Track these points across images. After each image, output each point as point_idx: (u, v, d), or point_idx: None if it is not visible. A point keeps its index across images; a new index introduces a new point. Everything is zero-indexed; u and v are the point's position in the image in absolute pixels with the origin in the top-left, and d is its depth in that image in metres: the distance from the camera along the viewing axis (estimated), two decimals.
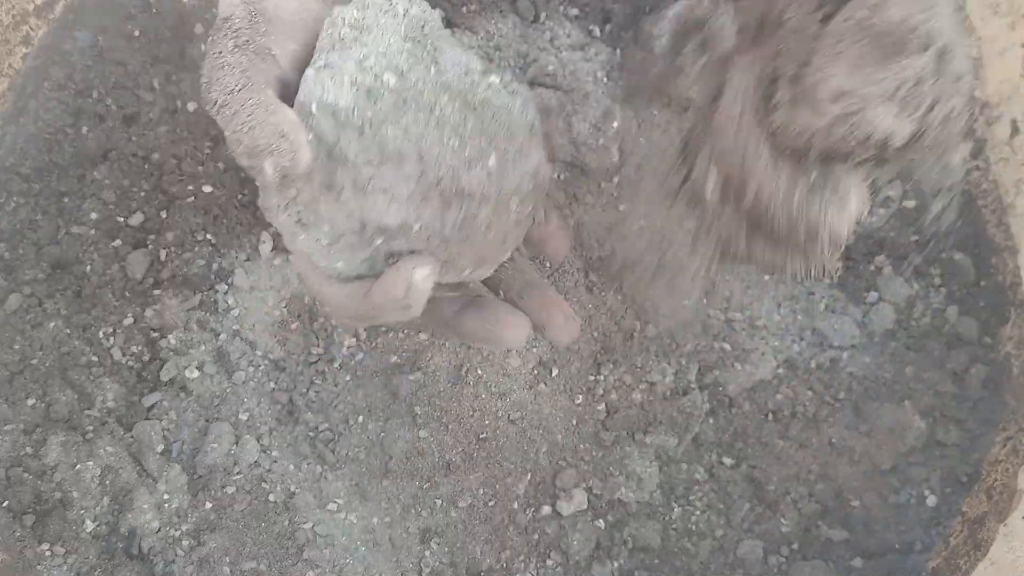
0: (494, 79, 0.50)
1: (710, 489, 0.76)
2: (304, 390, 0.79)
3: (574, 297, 0.79)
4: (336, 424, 0.78)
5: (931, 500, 0.75)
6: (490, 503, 0.76)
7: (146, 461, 0.75)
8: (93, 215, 0.81)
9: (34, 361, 0.77)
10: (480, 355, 0.78)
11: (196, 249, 0.81)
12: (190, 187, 0.83)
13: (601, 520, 0.76)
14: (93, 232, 0.81)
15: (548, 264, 0.79)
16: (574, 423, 0.78)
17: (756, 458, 0.77)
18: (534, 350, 0.79)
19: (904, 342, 0.80)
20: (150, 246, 0.81)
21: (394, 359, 0.79)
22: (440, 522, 0.76)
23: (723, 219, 0.52)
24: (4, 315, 0.77)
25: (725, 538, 0.75)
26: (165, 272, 0.81)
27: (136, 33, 0.86)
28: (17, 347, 0.77)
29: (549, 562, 0.74)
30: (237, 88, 0.44)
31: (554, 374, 0.79)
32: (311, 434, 0.78)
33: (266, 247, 0.82)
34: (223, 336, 0.79)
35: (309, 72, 0.46)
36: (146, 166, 0.83)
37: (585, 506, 0.76)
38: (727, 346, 0.80)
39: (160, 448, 0.76)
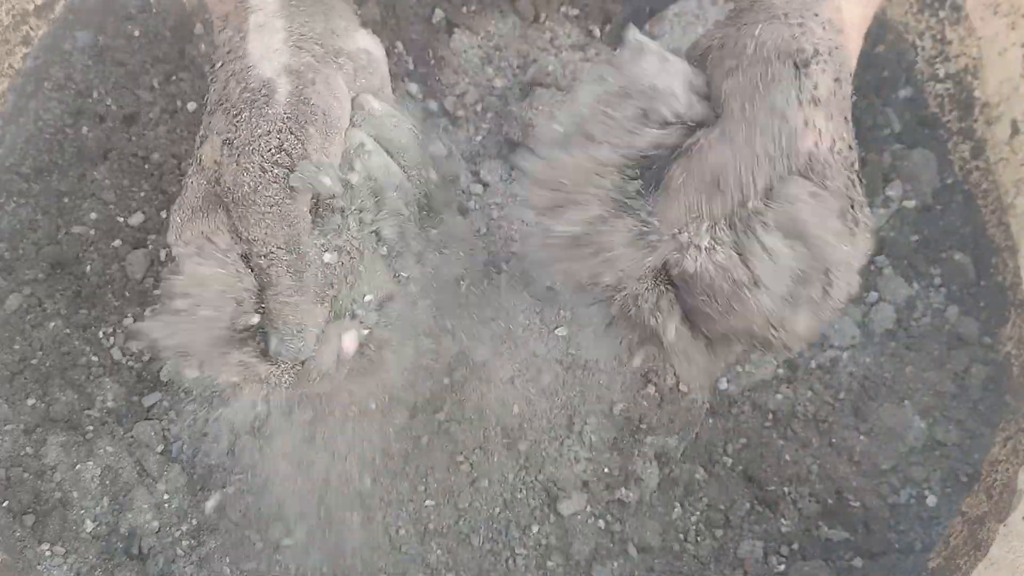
0: None
1: (710, 489, 0.76)
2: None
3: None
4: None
5: (931, 500, 0.75)
6: (490, 503, 0.76)
7: (146, 461, 0.75)
8: (93, 215, 0.81)
9: (34, 361, 0.77)
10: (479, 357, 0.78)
11: None
12: None
13: (601, 520, 0.76)
14: (93, 232, 0.81)
15: None
16: (575, 422, 0.77)
17: (756, 458, 0.77)
18: None
19: (904, 342, 0.80)
20: (150, 246, 0.81)
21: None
22: (440, 522, 0.76)
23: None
24: (4, 315, 0.77)
25: (725, 538, 0.75)
26: (165, 272, 0.80)
27: (136, 33, 0.86)
28: (17, 347, 0.77)
29: (550, 563, 0.74)
30: None
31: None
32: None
33: None
34: None
35: None
36: (146, 166, 0.83)
37: (585, 506, 0.76)
38: None
39: (160, 448, 0.76)
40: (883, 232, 0.82)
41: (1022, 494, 0.71)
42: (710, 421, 0.78)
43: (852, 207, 0.51)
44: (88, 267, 0.80)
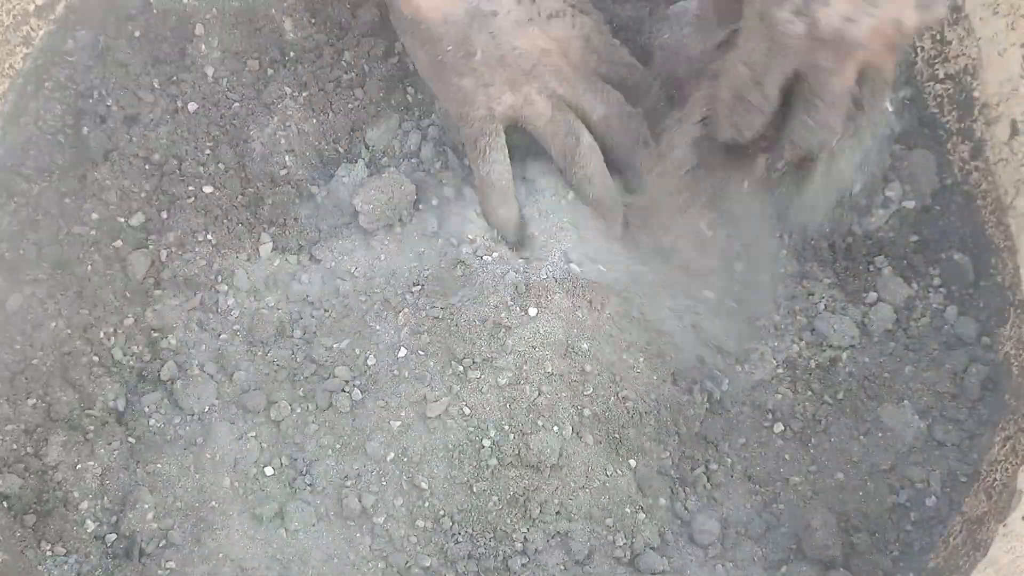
0: None
1: (710, 489, 0.76)
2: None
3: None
4: None
5: (931, 500, 0.75)
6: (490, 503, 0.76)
7: (146, 461, 0.75)
8: (94, 215, 0.81)
9: (35, 361, 0.77)
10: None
11: (196, 249, 0.81)
12: (191, 188, 0.83)
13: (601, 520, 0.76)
14: (94, 232, 0.81)
15: None
16: (575, 423, 0.77)
17: (756, 458, 0.77)
18: None
19: (903, 342, 0.80)
20: (151, 246, 0.81)
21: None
22: (439, 522, 0.76)
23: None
24: (5, 315, 0.77)
25: (725, 538, 0.75)
26: (166, 272, 0.81)
27: (136, 33, 0.86)
28: (18, 347, 0.77)
29: (550, 563, 0.74)
30: None
31: None
32: None
33: (266, 247, 0.82)
34: (223, 336, 0.80)
35: None
36: (147, 167, 0.83)
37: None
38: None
39: (160, 448, 0.76)
40: (882, 232, 0.82)
41: (1022, 494, 0.71)
42: (710, 421, 0.78)
43: None
44: (89, 267, 0.80)
